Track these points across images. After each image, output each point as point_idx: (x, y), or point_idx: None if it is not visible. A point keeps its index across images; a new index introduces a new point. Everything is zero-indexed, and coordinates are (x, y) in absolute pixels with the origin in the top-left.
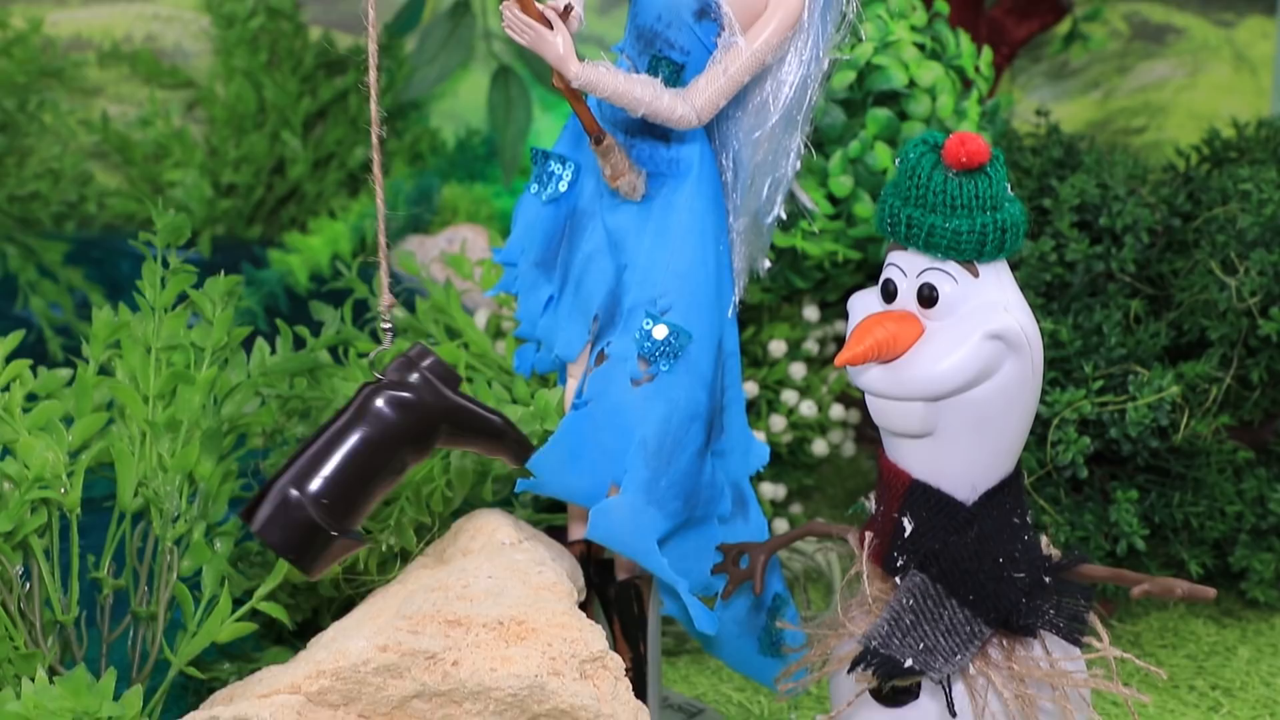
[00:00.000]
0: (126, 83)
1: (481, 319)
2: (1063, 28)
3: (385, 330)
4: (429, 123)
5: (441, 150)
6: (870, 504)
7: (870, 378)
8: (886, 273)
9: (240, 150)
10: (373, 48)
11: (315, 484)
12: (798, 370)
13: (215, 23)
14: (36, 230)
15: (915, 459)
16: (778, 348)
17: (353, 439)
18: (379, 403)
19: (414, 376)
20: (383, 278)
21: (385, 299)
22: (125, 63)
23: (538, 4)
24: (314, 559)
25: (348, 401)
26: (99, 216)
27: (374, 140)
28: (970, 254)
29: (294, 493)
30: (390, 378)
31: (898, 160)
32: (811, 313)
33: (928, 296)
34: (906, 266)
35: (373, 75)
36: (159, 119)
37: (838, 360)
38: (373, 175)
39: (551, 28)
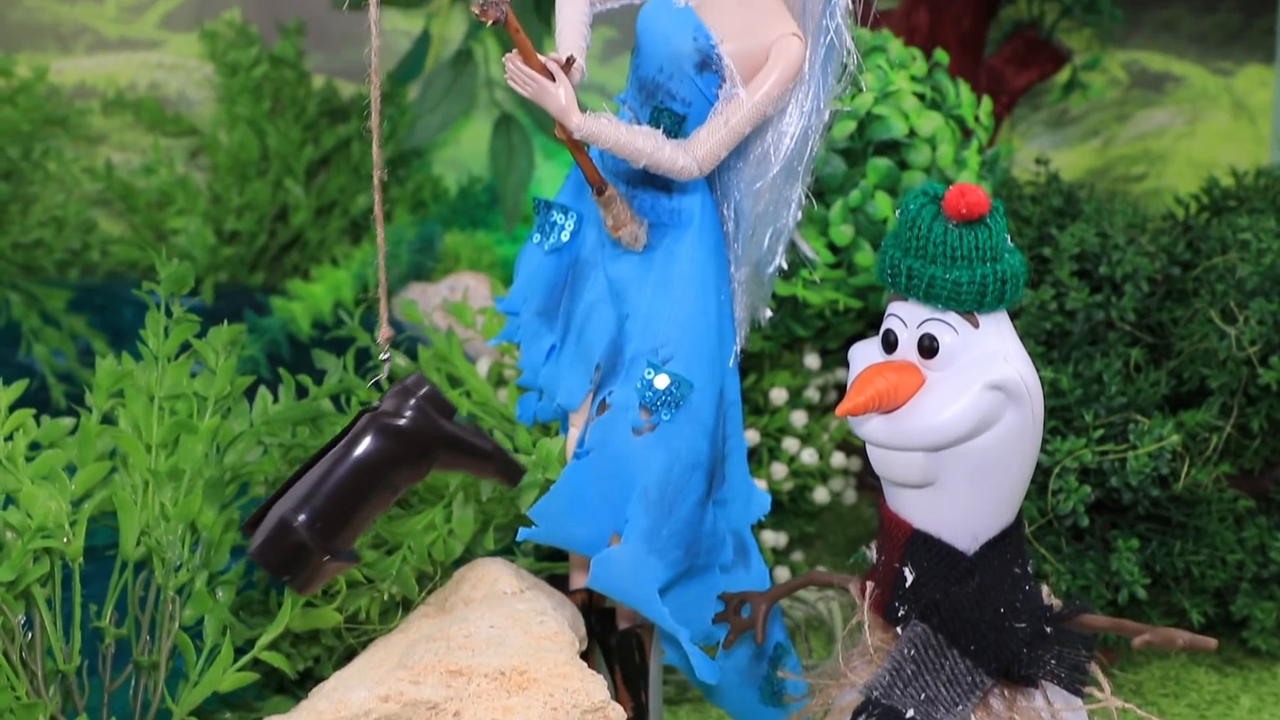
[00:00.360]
0: (130, 130)
1: (483, 367)
2: (1062, 76)
3: (384, 360)
4: (431, 170)
5: (444, 198)
6: (871, 553)
7: (871, 428)
8: (887, 323)
9: (243, 198)
10: (375, 94)
11: (309, 509)
12: (799, 418)
13: (219, 71)
14: (40, 277)
15: (916, 509)
16: (779, 396)
17: (347, 465)
18: (374, 430)
19: (410, 404)
20: (382, 310)
21: (384, 331)
22: (129, 111)
23: (540, 56)
24: (307, 579)
25: (345, 427)
26: (102, 264)
27: (375, 180)
28: (970, 305)
29: (289, 518)
30: (386, 406)
31: (898, 211)
32: (812, 361)
33: (928, 347)
34: (907, 317)
35: (375, 107)
36: (162, 166)
37: (839, 410)
38: (374, 217)
39: (554, 79)
